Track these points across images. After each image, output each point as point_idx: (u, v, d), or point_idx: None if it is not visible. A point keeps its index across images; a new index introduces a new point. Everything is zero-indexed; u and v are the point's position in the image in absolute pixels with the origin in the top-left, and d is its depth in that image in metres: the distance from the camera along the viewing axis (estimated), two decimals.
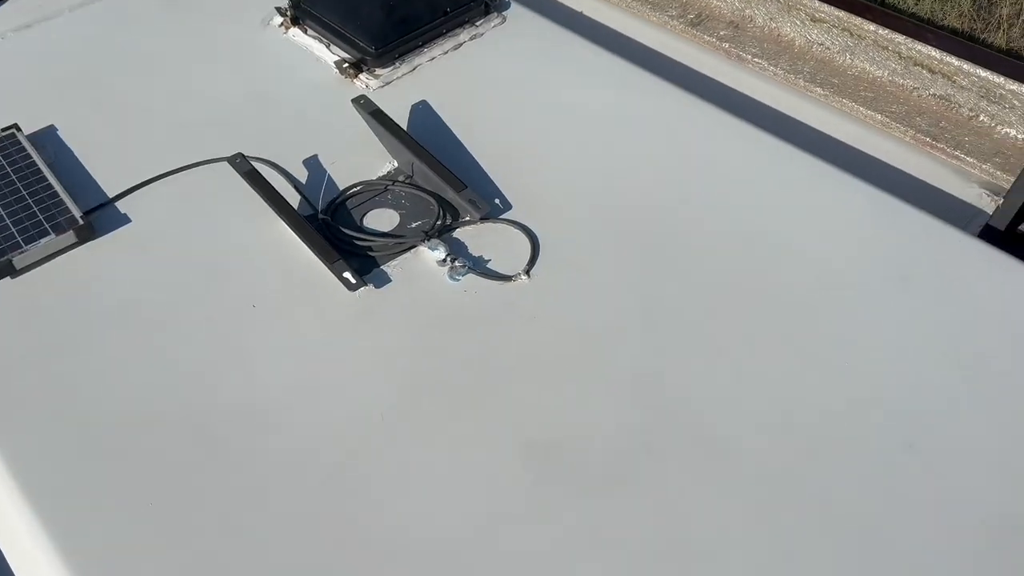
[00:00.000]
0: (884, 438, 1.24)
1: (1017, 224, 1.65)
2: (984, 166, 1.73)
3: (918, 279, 1.43)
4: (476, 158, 1.69)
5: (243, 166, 1.60)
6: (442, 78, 1.87)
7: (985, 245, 1.49)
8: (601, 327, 1.40)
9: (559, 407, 1.30)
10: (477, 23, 1.97)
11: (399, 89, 1.84)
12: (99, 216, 1.58)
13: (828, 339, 1.36)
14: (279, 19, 2.03)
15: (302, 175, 1.65)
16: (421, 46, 1.91)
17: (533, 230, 1.55)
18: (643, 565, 1.13)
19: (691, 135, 1.70)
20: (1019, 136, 1.77)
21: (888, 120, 1.82)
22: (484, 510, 1.18)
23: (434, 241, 1.50)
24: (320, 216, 1.55)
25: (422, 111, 1.79)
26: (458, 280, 1.46)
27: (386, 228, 1.54)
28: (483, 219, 1.55)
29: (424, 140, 1.66)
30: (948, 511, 1.17)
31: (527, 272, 1.48)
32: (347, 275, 1.43)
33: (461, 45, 1.94)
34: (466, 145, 1.71)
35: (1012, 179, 1.66)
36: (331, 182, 1.63)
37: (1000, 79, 1.76)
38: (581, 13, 2.23)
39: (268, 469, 1.22)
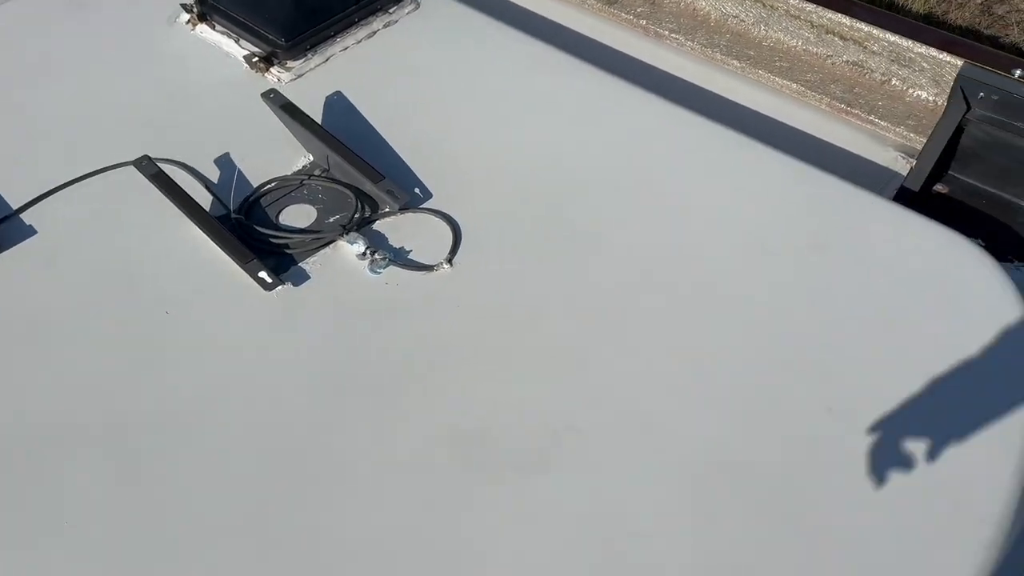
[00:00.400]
0: (805, 403, 1.25)
1: (931, 185, 1.68)
2: (898, 129, 1.75)
3: (835, 245, 1.44)
4: (393, 147, 1.66)
5: (149, 168, 1.54)
6: (356, 68, 1.83)
7: (899, 207, 1.50)
8: (525, 311, 1.38)
9: (485, 394, 1.28)
10: (390, 10, 1.93)
11: (312, 81, 1.80)
12: (2, 230, 1.52)
13: (748, 308, 1.37)
14: (186, 16, 1.97)
15: (214, 175, 1.61)
16: (333, 36, 1.87)
17: (454, 217, 1.53)
18: (575, 544, 1.12)
19: (610, 114, 1.69)
20: (930, 98, 1.80)
21: (803, 89, 1.84)
22: (413, 500, 1.16)
23: (353, 235, 1.47)
24: (233, 215, 1.50)
25: (336, 102, 1.75)
26: (379, 273, 1.44)
27: (303, 224, 1.51)
28: (402, 209, 1.52)
29: (339, 131, 1.63)
30: (871, 472, 1.18)
31: (449, 261, 1.46)
32: (262, 275, 1.40)
33: (375, 33, 1.90)
34: (383, 135, 1.68)
35: (925, 141, 1.68)
36: (244, 180, 1.59)
37: (909, 43, 1.78)
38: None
39: (190, 476, 1.19)
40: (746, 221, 1.49)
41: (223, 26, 1.92)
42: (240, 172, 1.61)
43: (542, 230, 1.50)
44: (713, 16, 2.04)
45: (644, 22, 2.06)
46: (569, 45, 1.88)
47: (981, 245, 1.47)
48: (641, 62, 2.00)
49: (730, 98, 1.88)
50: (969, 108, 1.63)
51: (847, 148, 1.75)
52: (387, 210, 1.52)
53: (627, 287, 1.41)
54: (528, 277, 1.43)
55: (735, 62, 1.93)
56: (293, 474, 1.19)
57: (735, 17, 2.01)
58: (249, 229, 1.48)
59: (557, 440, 1.22)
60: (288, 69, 1.82)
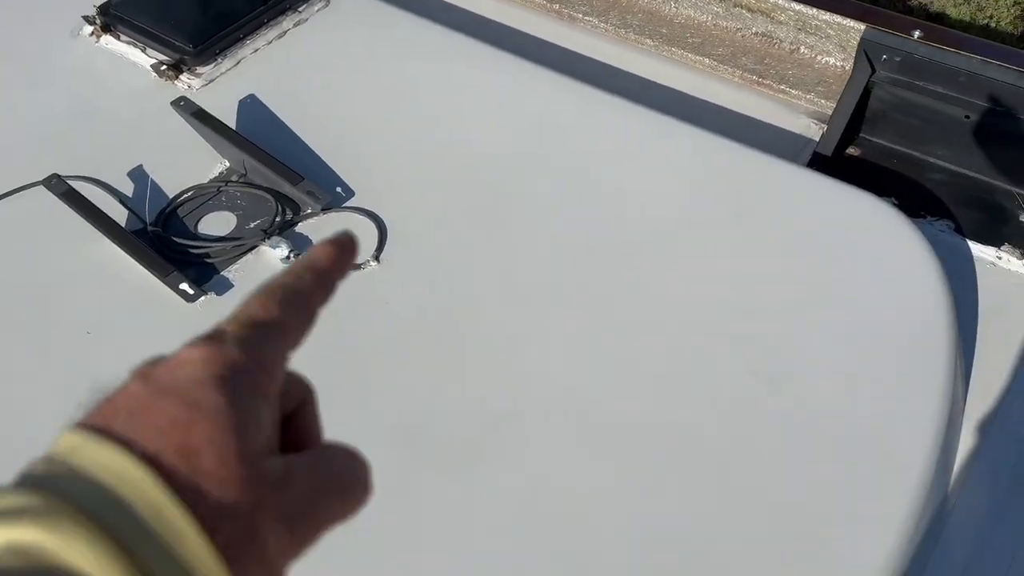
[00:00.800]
0: (733, 369, 1.28)
1: (844, 148, 1.72)
2: (809, 96, 1.79)
3: (753, 214, 1.47)
4: (312, 148, 1.64)
5: (60, 187, 1.50)
6: (268, 69, 1.80)
7: (813, 173, 1.54)
8: (456, 302, 1.39)
9: (423, 388, 1.28)
10: (300, 9, 1.91)
11: (224, 86, 1.77)
12: None
13: (673, 282, 1.39)
14: (89, 28, 1.91)
15: (128, 188, 1.57)
16: (243, 38, 1.84)
17: (378, 214, 1.52)
18: (519, 531, 1.13)
19: (528, 101, 1.70)
20: (838, 63, 1.84)
21: (715, 63, 1.87)
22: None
23: (275, 239, 1.45)
24: (150, 228, 1.47)
25: (251, 105, 1.72)
26: None
27: (223, 232, 1.48)
28: (324, 210, 1.51)
29: (256, 135, 1.61)
30: (798, 431, 1.21)
31: (376, 258, 1.45)
32: (184, 286, 1.37)
33: (285, 33, 1.87)
34: (301, 136, 1.66)
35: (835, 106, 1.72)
36: (160, 192, 1.56)
37: (814, 10, 1.82)
38: None
39: None
40: (667, 197, 1.51)
41: (128, 36, 1.87)
42: (155, 184, 1.57)
43: (467, 220, 1.50)
44: None
45: (557, 6, 2.06)
46: (483, 33, 1.88)
47: (894, 204, 1.52)
48: (556, 46, 2.01)
49: (646, 77, 1.90)
50: (874, 71, 1.67)
51: (761, 118, 1.79)
52: (309, 211, 1.51)
53: (555, 271, 1.42)
54: (457, 267, 1.43)
55: (648, 41, 1.95)
56: None
57: None
58: (167, 241, 1.45)
59: (497, 428, 1.23)
60: (198, 75, 1.78)
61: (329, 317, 1.46)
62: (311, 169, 1.58)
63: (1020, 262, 1.47)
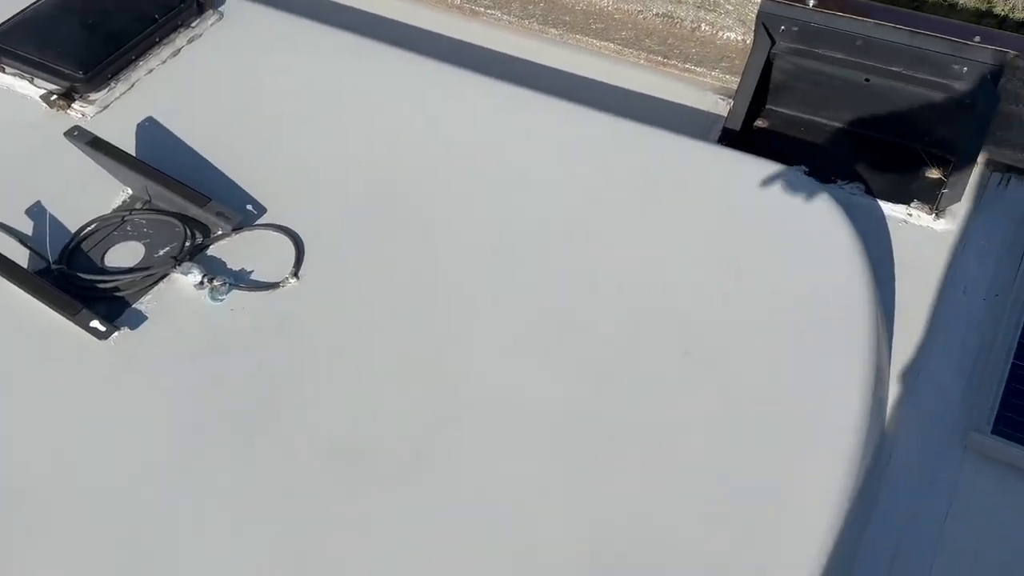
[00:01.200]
0: (662, 352, 1.28)
1: (752, 121, 1.74)
2: (714, 73, 1.81)
3: (668, 195, 1.48)
4: (218, 166, 1.59)
5: None
6: (165, 89, 1.74)
7: (724, 149, 1.56)
8: (381, 309, 1.36)
9: (356, 400, 1.26)
10: (193, 24, 1.85)
11: (120, 111, 1.70)
12: None
13: (597, 269, 1.39)
14: None
15: (27, 227, 1.50)
16: (135, 60, 1.78)
17: (293, 229, 1.48)
18: (466, 531, 1.12)
19: (436, 98, 1.67)
20: (739, 38, 1.86)
21: (620, 47, 1.87)
22: (298, 521, 1.13)
23: (186, 265, 1.40)
24: (54, 266, 1.41)
25: (150, 128, 1.66)
26: (221, 300, 1.38)
27: (131, 263, 1.43)
28: (236, 229, 1.46)
29: (157, 159, 1.55)
30: (738, 406, 1.22)
31: (295, 274, 1.41)
32: (95, 324, 1.32)
33: (180, 51, 1.81)
34: (205, 155, 1.61)
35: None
36: (61, 227, 1.49)
37: None
38: None
39: (49, 553, 1.12)
40: (582, 185, 1.51)
41: (14, 67, 1.79)
42: (55, 219, 1.51)
43: (384, 225, 1.47)
44: None
45: (459, 1, 2.04)
46: (385, 34, 1.85)
47: (806, 172, 1.54)
48: (461, 41, 1.99)
49: (553, 66, 1.89)
50: (774, 42, 1.69)
51: (669, 98, 1.79)
52: (220, 233, 1.46)
53: (476, 268, 1.40)
54: (379, 275, 1.41)
55: (553, 30, 1.94)
56: (166, 528, 1.14)
57: None
58: (73, 278, 1.39)
59: (433, 433, 1.21)
60: (91, 102, 1.71)
61: (252, 338, 1.42)
62: (219, 189, 1.53)
63: (930, 217, 1.50)
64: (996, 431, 1.21)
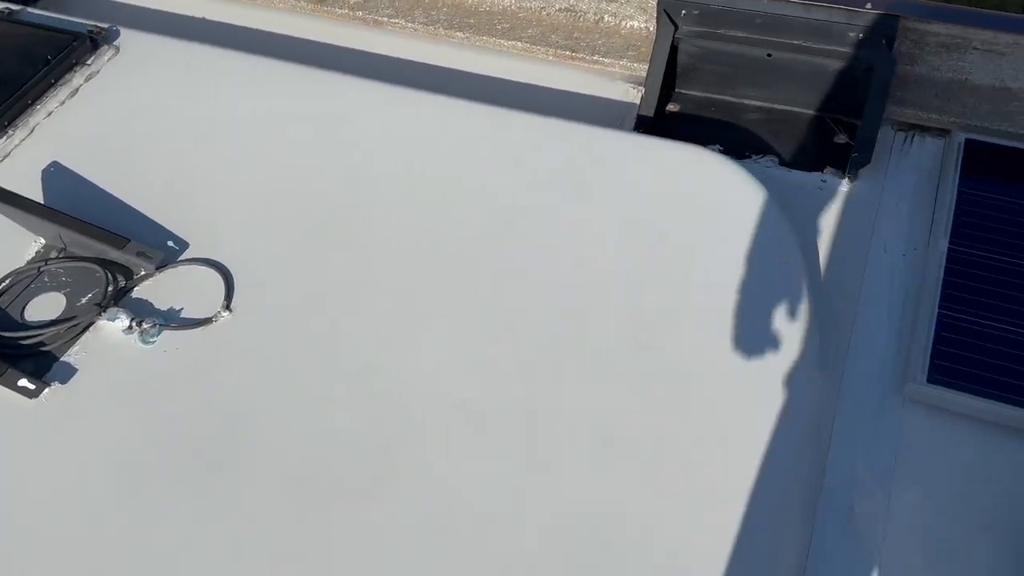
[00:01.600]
0: (607, 342, 1.30)
1: (664, 106, 1.78)
2: (622, 62, 1.84)
3: (592, 187, 1.49)
4: (133, 204, 1.54)
5: None
6: (68, 130, 1.68)
7: (640, 136, 1.58)
8: (318, 333, 1.34)
9: (306, 427, 1.23)
10: (88, 62, 1.78)
11: (22, 158, 1.63)
12: None
13: (531, 271, 1.39)
14: None
15: None
16: (32, 104, 1.71)
17: (219, 261, 1.45)
18: (431, 543, 1.11)
19: (349, 115, 1.65)
20: (642, 26, 1.89)
21: (528, 45, 1.88)
22: (264, 554, 1.11)
23: (112, 310, 1.36)
24: None
25: (57, 173, 1.60)
26: (153, 342, 1.34)
27: (54, 314, 1.37)
28: (159, 268, 1.42)
29: (68, 204, 1.49)
30: (689, 387, 1.24)
31: (227, 307, 1.38)
32: (23, 383, 1.26)
33: (78, 89, 1.75)
34: (118, 195, 1.56)
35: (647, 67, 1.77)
36: None
37: None
38: (203, 19, 2.09)
39: None
40: (507, 186, 1.51)
41: None
42: None
43: (310, 244, 1.45)
44: None
45: (360, 13, 2.02)
46: (290, 53, 1.82)
47: (721, 151, 1.58)
48: (368, 53, 1.97)
49: (463, 69, 1.89)
50: (676, 27, 1.73)
51: (582, 91, 1.81)
52: (143, 274, 1.42)
53: (411, 280, 1.39)
54: (312, 296, 1.38)
55: (459, 33, 1.94)
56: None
57: None
58: None
59: (389, 449, 1.20)
60: None
61: (190, 377, 1.38)
62: (137, 228, 1.48)
63: (844, 181, 1.56)
64: (931, 380, 1.26)
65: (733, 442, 1.20)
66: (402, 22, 2.00)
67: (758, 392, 1.24)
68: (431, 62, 1.95)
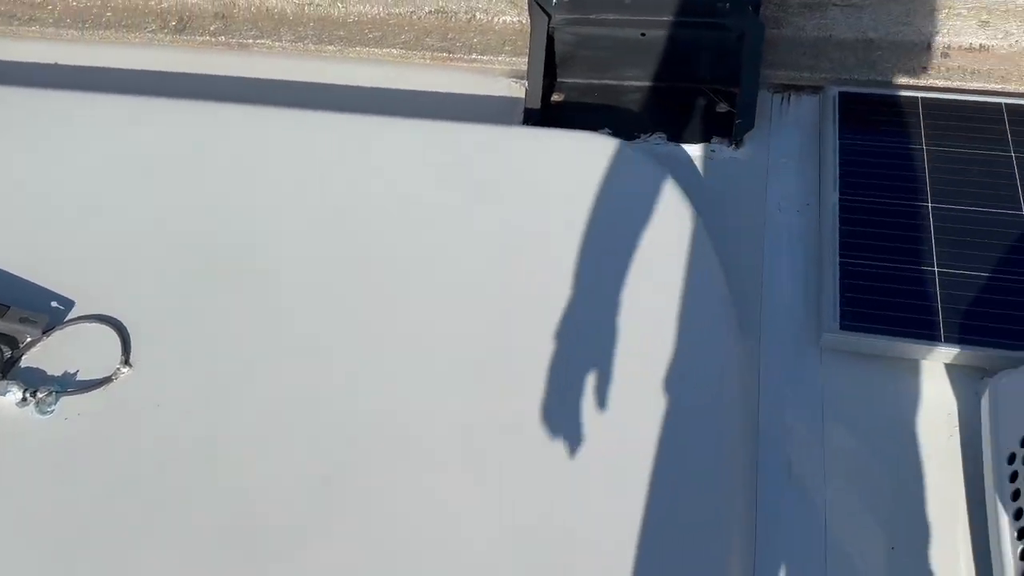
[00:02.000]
0: (531, 341, 1.28)
1: (549, 97, 1.78)
2: (500, 58, 1.82)
3: (488, 187, 1.47)
4: (7, 268, 1.43)
5: None
6: None
7: (529, 129, 1.58)
8: (229, 376, 1.28)
9: (229, 477, 1.18)
10: None
11: None
12: None
13: (445, 275, 1.37)
14: None
15: None
16: None
17: (111, 315, 1.36)
18: (379, 566, 1.08)
19: (230, 143, 1.59)
20: (516, 20, 1.88)
21: (403, 51, 1.85)
22: None
23: (1, 384, 1.26)
24: None
25: None
26: (51, 411, 1.25)
27: None
28: (46, 332, 1.33)
29: None
30: (614, 371, 1.24)
31: (125, 362, 1.30)
32: None
33: None
34: None
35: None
36: None
37: None
38: (55, 64, 1.97)
39: None
40: (402, 197, 1.47)
41: None
42: None
43: (206, 283, 1.39)
44: (289, 10, 1.98)
45: (223, 37, 1.95)
46: (152, 88, 1.73)
47: (610, 134, 1.59)
48: (239, 78, 1.90)
49: (339, 83, 1.84)
50: (550, 17, 1.73)
51: (465, 92, 1.79)
52: (29, 340, 1.32)
53: (320, 307, 1.35)
54: (216, 337, 1.32)
55: (330, 47, 1.89)
56: None
57: (310, 3, 1.97)
58: None
59: (326, 487, 1.16)
60: None
61: (97, 446, 1.30)
62: (16, 293, 1.38)
63: (731, 148, 1.59)
64: (844, 327, 1.29)
65: (667, 422, 1.20)
66: (268, 42, 1.93)
67: (682, 368, 1.25)
68: (305, 79, 1.89)
